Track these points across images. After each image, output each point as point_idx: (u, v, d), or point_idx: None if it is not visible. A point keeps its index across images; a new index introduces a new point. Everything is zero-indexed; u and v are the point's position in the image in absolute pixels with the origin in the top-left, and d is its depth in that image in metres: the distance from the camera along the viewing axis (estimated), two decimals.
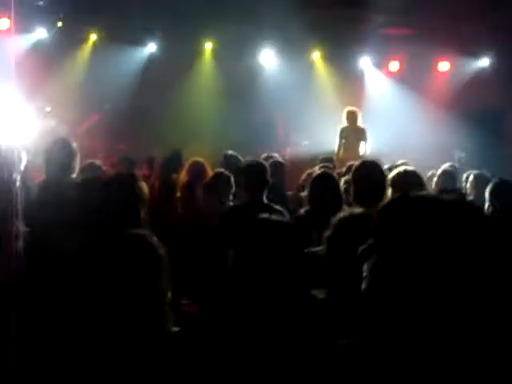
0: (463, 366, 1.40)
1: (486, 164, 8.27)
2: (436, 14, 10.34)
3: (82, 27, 11.82)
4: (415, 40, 11.56)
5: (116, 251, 2.31)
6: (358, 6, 10.38)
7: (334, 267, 2.42)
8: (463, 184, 6.45)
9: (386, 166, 5.15)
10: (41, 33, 11.64)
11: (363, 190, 3.80)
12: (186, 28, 11.29)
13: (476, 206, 1.57)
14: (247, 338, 2.16)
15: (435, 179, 6.37)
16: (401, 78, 12.39)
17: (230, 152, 6.75)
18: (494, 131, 11.68)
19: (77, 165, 4.63)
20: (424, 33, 11.22)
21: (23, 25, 10.61)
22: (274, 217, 2.39)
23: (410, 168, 4.60)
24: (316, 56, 12.73)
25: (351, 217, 2.50)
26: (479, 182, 6.23)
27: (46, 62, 11.31)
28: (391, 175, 4.24)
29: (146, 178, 6.65)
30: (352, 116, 10.00)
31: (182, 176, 6.20)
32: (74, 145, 4.66)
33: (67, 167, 4.51)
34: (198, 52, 12.62)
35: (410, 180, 4.17)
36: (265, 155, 6.94)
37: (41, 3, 10.79)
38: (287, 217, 4.06)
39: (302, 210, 4.51)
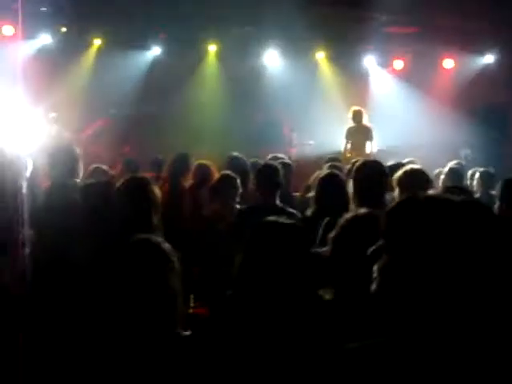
0: (475, 368, 1.38)
1: (492, 161, 8.27)
2: (440, 11, 10.31)
3: (85, 32, 11.86)
4: (419, 38, 11.54)
5: (123, 257, 2.30)
6: (362, 5, 10.35)
7: (340, 267, 2.41)
8: (469, 181, 6.44)
9: (390, 163, 5.14)
10: (45, 39, 11.69)
11: (364, 189, 3.79)
12: (190, 31, 11.30)
13: (485, 206, 1.55)
14: (257, 341, 2.15)
15: (442, 177, 6.34)
16: (405, 77, 12.37)
17: (235, 153, 6.73)
18: (500, 128, 11.66)
19: (80, 170, 4.66)
20: (428, 30, 11.20)
21: (28, 31, 10.65)
22: (281, 219, 2.39)
23: (416, 166, 4.59)
24: (320, 55, 12.72)
25: (357, 217, 2.49)
26: (485, 180, 6.22)
27: (51, 68, 11.36)
28: (398, 174, 4.23)
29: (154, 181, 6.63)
30: (358, 115, 10.00)
31: (188, 179, 6.21)
32: (77, 150, 4.69)
33: (72, 172, 4.53)
34: (201, 54, 12.62)
35: (417, 179, 4.16)
36: (271, 156, 6.93)
37: (45, 9, 10.81)
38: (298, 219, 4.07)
39: (309, 211, 4.50)
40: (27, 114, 7.50)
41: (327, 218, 3.61)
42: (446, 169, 6.45)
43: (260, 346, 2.15)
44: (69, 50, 11.83)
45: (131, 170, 6.42)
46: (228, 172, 5.40)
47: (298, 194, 6.35)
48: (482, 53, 12.37)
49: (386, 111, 11.36)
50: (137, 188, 3.62)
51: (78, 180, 4.57)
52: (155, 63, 12.54)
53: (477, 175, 6.35)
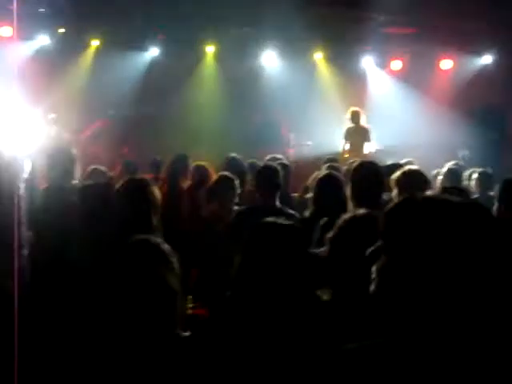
0: (474, 369, 1.38)
1: (489, 161, 8.27)
2: (438, 12, 10.31)
3: (84, 33, 11.86)
4: (417, 38, 11.55)
5: (123, 257, 2.30)
6: (360, 6, 10.36)
7: (338, 268, 2.42)
8: (467, 182, 6.44)
9: (389, 163, 5.15)
10: (43, 40, 11.69)
11: (361, 190, 3.80)
12: (188, 31, 11.30)
13: (484, 207, 1.56)
14: (256, 341, 2.15)
15: (440, 178, 6.35)
16: (403, 77, 12.39)
17: (232, 154, 6.72)
18: (498, 128, 11.68)
19: (77, 171, 4.67)
20: (426, 31, 11.21)
21: (26, 32, 10.66)
22: (280, 220, 2.39)
23: (414, 167, 4.60)
24: (318, 56, 12.73)
25: (355, 218, 2.50)
26: (484, 181, 6.22)
27: (49, 69, 11.36)
28: (396, 175, 4.24)
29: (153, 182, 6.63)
30: (356, 116, 10.02)
31: (187, 180, 6.20)
32: (74, 151, 4.71)
33: (69, 173, 4.54)
34: (200, 55, 12.63)
35: (415, 179, 4.17)
36: (269, 157, 6.93)
37: (43, 10, 10.81)
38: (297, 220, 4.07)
39: (307, 212, 4.50)
40: (26, 115, 7.49)
41: (325, 219, 3.61)
42: (444, 169, 6.46)
43: (259, 346, 2.15)
44: (67, 50, 11.83)
45: (130, 172, 6.43)
46: (226, 173, 5.39)
47: (296, 194, 6.35)
48: (479, 53, 12.39)
49: (384, 112, 11.37)
50: (136, 190, 3.63)
51: (76, 181, 4.58)
52: (153, 64, 12.55)
53: (475, 176, 6.34)
